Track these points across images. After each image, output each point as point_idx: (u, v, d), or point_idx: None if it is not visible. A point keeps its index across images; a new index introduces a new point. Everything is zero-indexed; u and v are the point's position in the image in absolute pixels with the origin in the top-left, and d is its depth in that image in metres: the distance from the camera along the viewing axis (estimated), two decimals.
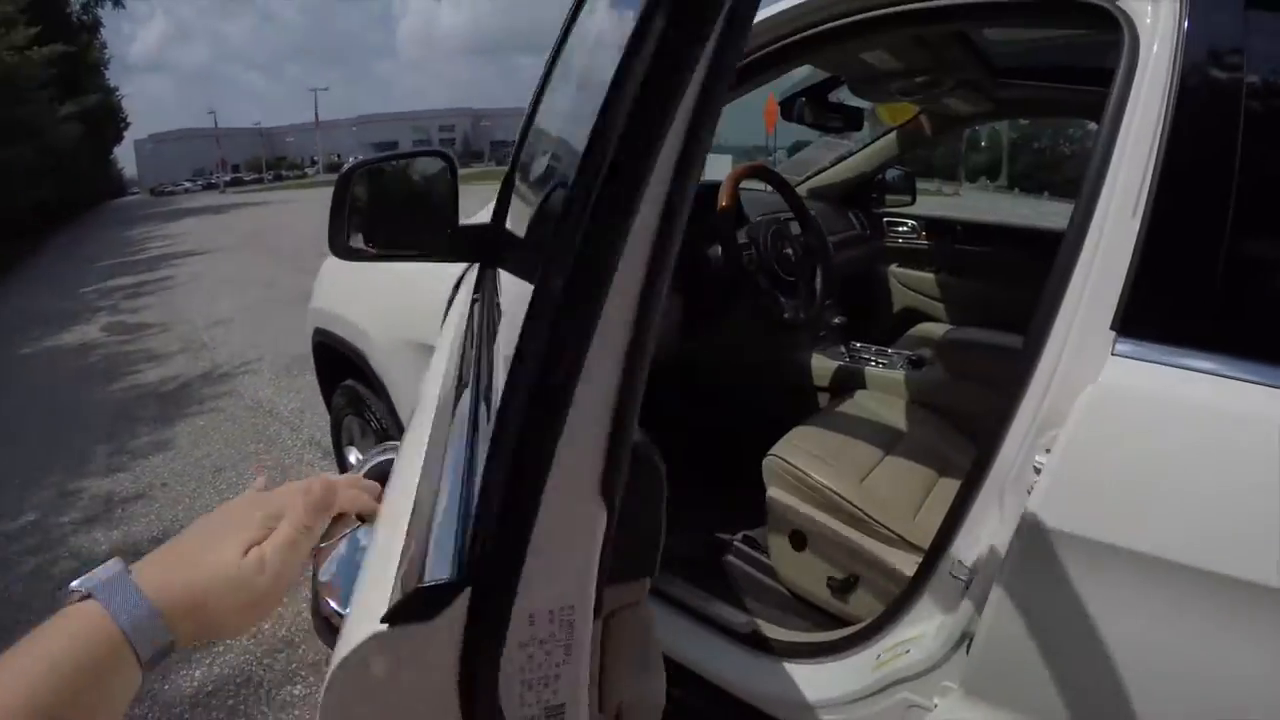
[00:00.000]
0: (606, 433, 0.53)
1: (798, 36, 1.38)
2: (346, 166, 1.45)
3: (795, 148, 16.42)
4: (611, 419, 0.53)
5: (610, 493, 0.54)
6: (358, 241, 1.42)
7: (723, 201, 1.87)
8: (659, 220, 0.50)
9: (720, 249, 1.88)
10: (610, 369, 0.52)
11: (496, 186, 1.47)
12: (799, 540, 1.59)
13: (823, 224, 2.31)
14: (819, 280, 2.12)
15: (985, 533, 1.09)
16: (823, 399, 2.32)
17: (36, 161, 18.92)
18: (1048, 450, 0.94)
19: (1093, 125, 2.86)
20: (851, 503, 1.54)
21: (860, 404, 2.00)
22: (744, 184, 2.05)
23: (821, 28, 1.35)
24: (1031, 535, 0.92)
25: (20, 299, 11.10)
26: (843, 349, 2.39)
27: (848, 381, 2.27)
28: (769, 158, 19.68)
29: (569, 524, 0.54)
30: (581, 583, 0.56)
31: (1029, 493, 0.94)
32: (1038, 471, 0.95)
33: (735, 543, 1.90)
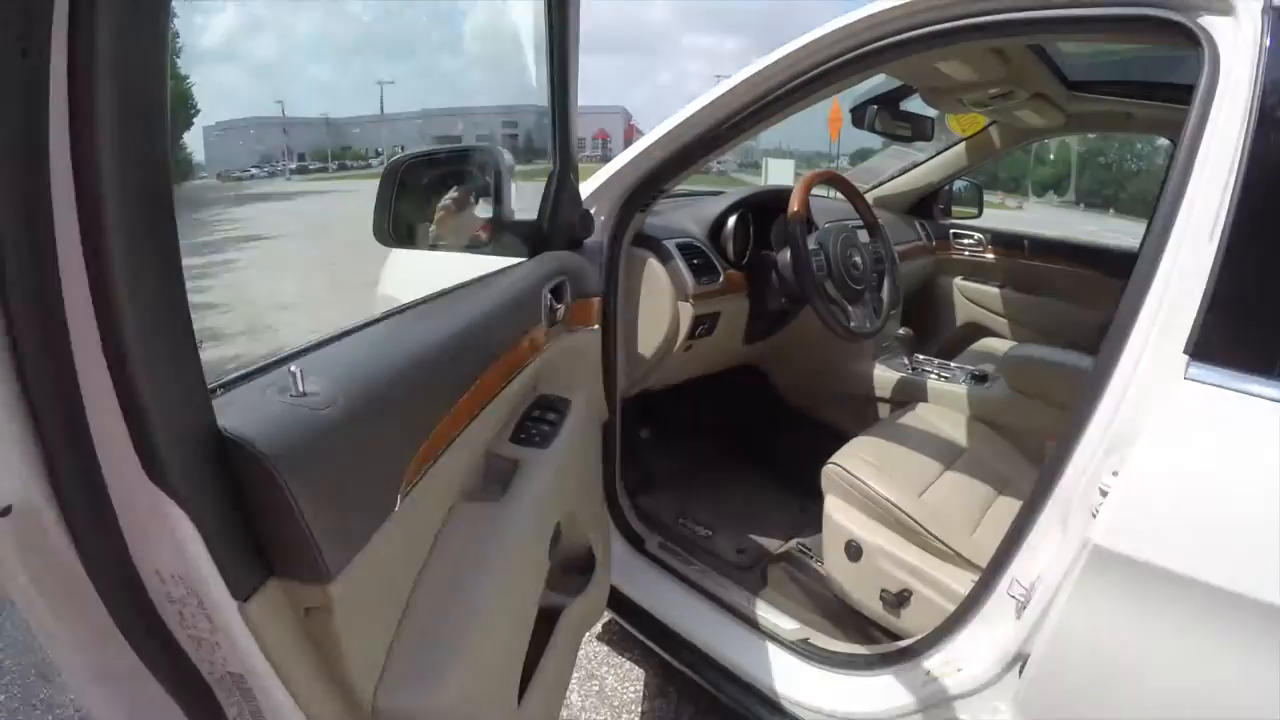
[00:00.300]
0: (120, 424, 0.54)
1: (874, 45, 1.37)
2: (394, 159, 1.48)
3: (859, 155, 16.26)
4: (123, 413, 0.54)
5: (164, 483, 0.56)
6: (404, 231, 1.47)
7: (794, 206, 1.86)
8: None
9: (789, 254, 1.87)
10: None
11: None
12: (854, 551, 1.58)
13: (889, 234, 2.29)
14: (886, 290, 2.11)
15: (1046, 553, 1.08)
16: (883, 410, 2.30)
17: None
18: (1115, 473, 0.93)
19: (1163, 141, 2.81)
20: (909, 516, 1.53)
21: (921, 417, 1.98)
22: (813, 190, 2.04)
23: (898, 37, 1.34)
24: (1095, 559, 0.91)
25: None
26: (905, 360, 2.37)
27: (909, 393, 2.25)
28: (831, 164, 19.52)
29: (129, 503, 0.57)
30: (183, 557, 0.58)
31: (1094, 515, 0.93)
32: (1104, 494, 0.93)
33: (789, 550, 1.90)
